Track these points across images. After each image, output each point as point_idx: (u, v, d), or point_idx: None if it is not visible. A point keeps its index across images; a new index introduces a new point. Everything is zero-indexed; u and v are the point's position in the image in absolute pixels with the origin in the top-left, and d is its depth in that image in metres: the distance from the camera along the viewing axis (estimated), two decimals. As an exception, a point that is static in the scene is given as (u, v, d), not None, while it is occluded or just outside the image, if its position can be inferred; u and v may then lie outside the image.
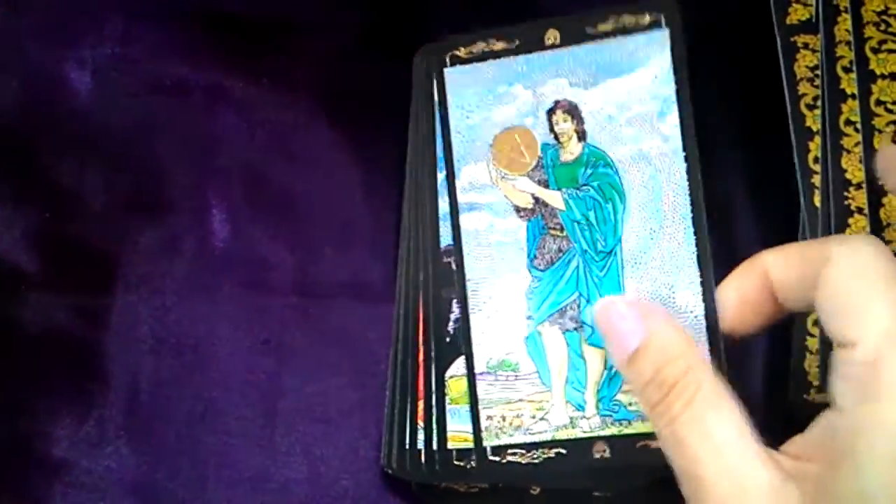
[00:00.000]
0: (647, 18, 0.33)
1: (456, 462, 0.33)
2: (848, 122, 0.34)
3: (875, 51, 0.34)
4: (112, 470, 0.35)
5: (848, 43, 0.34)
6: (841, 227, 0.34)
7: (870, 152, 0.34)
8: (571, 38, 0.33)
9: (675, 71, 0.33)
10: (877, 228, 0.33)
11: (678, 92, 0.32)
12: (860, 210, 0.34)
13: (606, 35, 0.33)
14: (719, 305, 0.30)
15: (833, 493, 0.24)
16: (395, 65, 0.36)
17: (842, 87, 0.34)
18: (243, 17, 0.38)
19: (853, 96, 0.34)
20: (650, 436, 0.32)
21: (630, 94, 0.33)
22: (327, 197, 0.37)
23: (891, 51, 0.35)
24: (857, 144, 0.34)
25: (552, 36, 0.34)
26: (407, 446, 0.33)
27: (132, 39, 0.38)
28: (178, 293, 0.36)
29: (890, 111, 0.34)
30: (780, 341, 0.35)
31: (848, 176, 0.34)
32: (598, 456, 0.32)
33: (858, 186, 0.34)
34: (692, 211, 0.32)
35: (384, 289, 0.36)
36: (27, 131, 0.38)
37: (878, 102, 0.34)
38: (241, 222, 0.37)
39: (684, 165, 0.32)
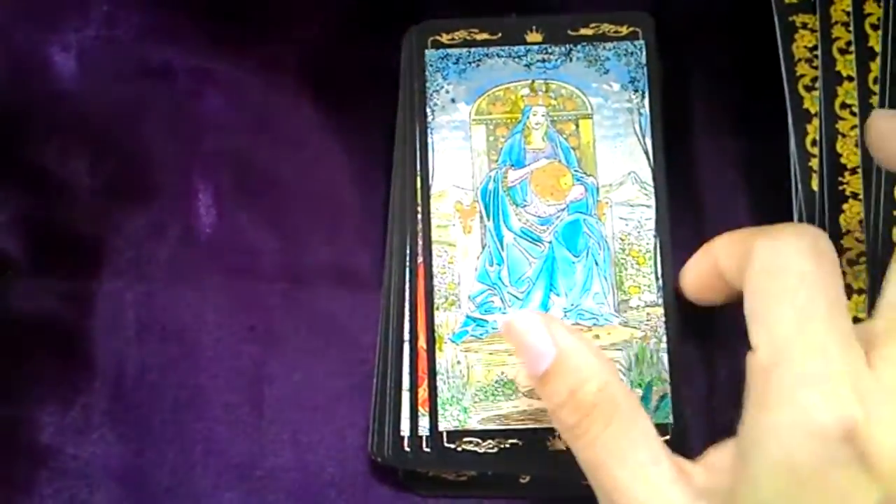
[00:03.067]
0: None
1: (446, 445, 0.33)
2: (844, 106, 0.33)
3: (874, 27, 0.34)
4: (97, 456, 0.35)
5: (845, 24, 0.34)
6: (835, 212, 0.33)
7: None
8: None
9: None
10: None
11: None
12: (855, 195, 0.33)
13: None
14: (681, 284, 0.32)
15: None
16: (383, 47, 0.36)
17: (837, 69, 0.33)
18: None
19: (849, 78, 0.33)
20: None
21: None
22: (314, 181, 0.37)
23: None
24: (853, 128, 0.33)
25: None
26: (394, 434, 0.33)
27: (117, 22, 0.38)
28: (164, 279, 0.36)
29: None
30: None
31: (843, 160, 0.33)
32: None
33: (853, 171, 0.33)
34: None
35: (372, 275, 0.36)
36: (11, 116, 0.37)
37: (875, 81, 0.33)
38: (228, 207, 0.37)
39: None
